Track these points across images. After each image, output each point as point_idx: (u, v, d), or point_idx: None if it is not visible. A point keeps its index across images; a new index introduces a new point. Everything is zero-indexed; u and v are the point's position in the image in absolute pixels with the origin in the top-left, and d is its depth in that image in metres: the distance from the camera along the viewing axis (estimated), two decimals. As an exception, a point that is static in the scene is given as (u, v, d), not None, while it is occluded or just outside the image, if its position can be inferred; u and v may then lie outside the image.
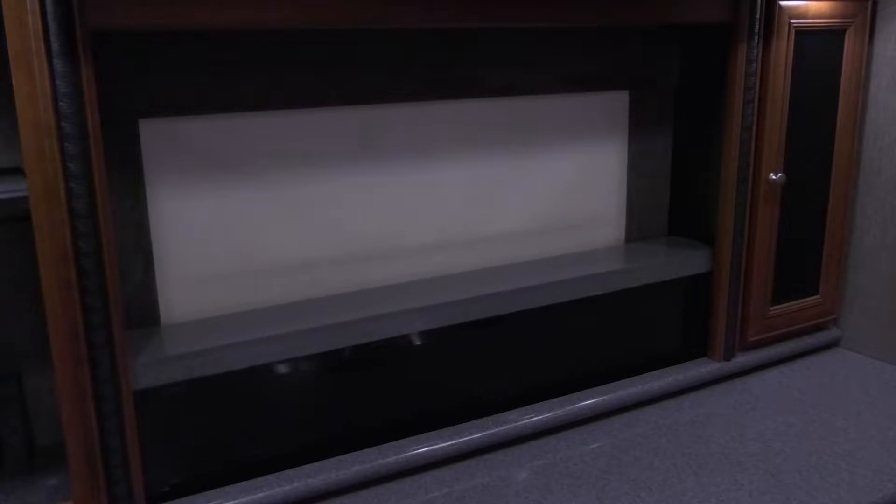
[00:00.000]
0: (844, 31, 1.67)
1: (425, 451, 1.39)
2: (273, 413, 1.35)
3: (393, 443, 1.40)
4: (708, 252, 1.70)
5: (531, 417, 1.49)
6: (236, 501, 1.24)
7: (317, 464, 1.33)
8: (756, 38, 1.54)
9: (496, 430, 1.45)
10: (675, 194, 1.82)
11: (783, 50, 1.59)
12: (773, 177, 1.65)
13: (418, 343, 1.45)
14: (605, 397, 1.57)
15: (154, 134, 1.26)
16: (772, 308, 1.76)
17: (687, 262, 1.70)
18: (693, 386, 1.68)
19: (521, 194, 1.62)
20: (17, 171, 1.16)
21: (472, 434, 1.43)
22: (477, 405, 1.50)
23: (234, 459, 1.32)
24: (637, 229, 1.80)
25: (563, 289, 1.55)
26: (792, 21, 1.58)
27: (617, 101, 1.70)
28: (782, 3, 1.56)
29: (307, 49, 1.32)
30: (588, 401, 1.55)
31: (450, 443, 1.41)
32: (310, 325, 1.33)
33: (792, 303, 1.79)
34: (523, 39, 1.52)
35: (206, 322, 1.34)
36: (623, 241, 1.79)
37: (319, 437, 1.38)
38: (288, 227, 1.40)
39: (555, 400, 1.54)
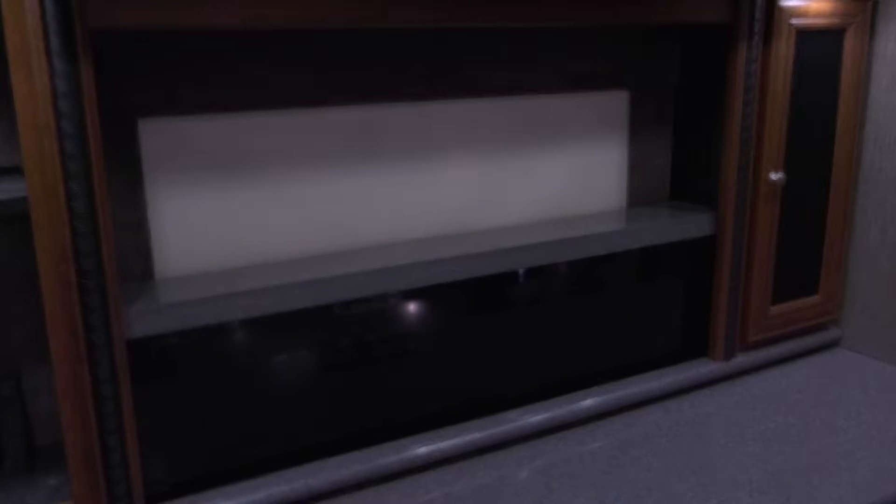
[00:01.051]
0: (844, 30, 1.67)
1: (425, 451, 1.39)
2: (270, 392, 1.35)
3: (393, 443, 1.40)
4: (707, 247, 1.71)
5: (531, 417, 1.49)
6: (236, 501, 1.24)
7: (317, 464, 1.33)
8: (756, 38, 1.54)
9: (496, 430, 1.45)
10: (675, 194, 1.82)
11: (783, 50, 1.59)
12: (773, 176, 1.65)
13: (417, 306, 1.44)
14: (605, 397, 1.57)
15: (154, 134, 1.26)
16: (772, 308, 1.76)
17: (689, 235, 1.69)
18: (693, 386, 1.68)
19: (521, 194, 1.62)
20: (16, 171, 1.16)
21: (472, 434, 1.43)
22: (476, 403, 1.50)
23: (233, 437, 1.33)
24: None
25: (566, 247, 1.54)
26: (792, 21, 1.58)
27: (617, 101, 1.70)
28: (782, 3, 1.56)
29: (307, 49, 1.32)
30: (588, 401, 1.55)
31: (450, 443, 1.41)
32: (304, 277, 1.30)
33: (792, 302, 1.79)
34: (524, 39, 1.52)
35: (199, 277, 1.32)
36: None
37: (317, 419, 1.39)
38: (289, 226, 1.40)
39: (555, 400, 1.54)
